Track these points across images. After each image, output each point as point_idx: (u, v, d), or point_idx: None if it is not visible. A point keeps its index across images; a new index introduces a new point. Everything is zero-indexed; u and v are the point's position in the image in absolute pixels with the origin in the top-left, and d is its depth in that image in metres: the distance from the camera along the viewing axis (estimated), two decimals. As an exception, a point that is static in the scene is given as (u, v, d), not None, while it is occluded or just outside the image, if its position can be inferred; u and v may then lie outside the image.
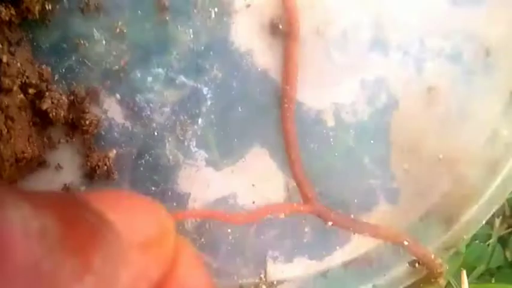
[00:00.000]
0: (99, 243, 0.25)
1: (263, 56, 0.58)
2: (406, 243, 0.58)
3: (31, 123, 0.55)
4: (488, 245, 0.74)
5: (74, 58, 0.56)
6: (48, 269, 0.23)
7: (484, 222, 0.59)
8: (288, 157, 0.58)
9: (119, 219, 0.27)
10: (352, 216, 0.59)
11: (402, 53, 0.58)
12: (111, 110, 0.58)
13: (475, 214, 0.60)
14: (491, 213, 0.60)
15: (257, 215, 0.58)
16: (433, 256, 0.58)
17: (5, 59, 0.52)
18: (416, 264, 0.59)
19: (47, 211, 0.25)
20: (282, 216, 0.60)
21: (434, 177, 0.60)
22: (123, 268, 0.26)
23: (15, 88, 0.52)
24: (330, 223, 0.59)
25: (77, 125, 0.56)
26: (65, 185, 0.58)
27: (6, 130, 0.50)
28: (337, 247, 0.61)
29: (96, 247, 0.25)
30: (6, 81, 0.51)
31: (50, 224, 0.24)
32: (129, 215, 0.29)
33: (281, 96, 0.57)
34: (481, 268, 0.73)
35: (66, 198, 0.28)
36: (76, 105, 0.56)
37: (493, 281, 0.74)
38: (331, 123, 0.59)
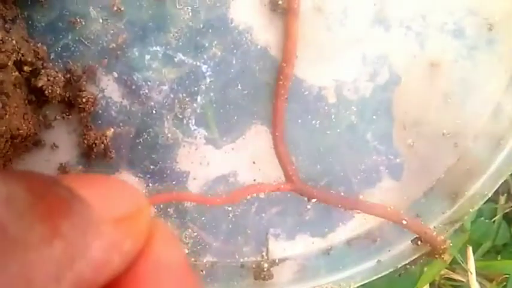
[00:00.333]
0: (69, 212, 0.25)
1: (263, 33, 0.57)
2: (404, 222, 0.57)
3: (26, 101, 0.54)
4: (493, 222, 0.73)
5: (70, 37, 0.56)
6: (16, 233, 0.23)
7: (489, 196, 0.58)
8: (273, 133, 0.57)
9: (91, 195, 0.27)
10: (342, 193, 0.59)
11: (404, 28, 0.57)
12: (108, 89, 0.57)
13: (480, 188, 0.59)
14: (497, 187, 0.59)
15: (236, 196, 0.57)
16: (435, 233, 0.57)
17: (0, 36, 0.51)
18: (419, 242, 0.58)
19: (15, 180, 0.25)
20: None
21: (438, 152, 0.59)
22: (93, 238, 0.26)
23: (10, 64, 0.51)
24: (313, 200, 0.58)
25: (73, 103, 0.56)
26: (61, 164, 0.57)
27: (0, 105, 0.49)
28: (340, 224, 0.60)
29: (66, 215, 0.25)
30: (1, 57, 0.50)
31: (18, 192, 0.24)
32: (101, 193, 0.29)
33: (278, 73, 0.56)
34: (486, 245, 0.72)
35: (36, 173, 0.28)
36: (72, 84, 0.56)
37: (499, 258, 0.74)
38: (332, 99, 0.58)
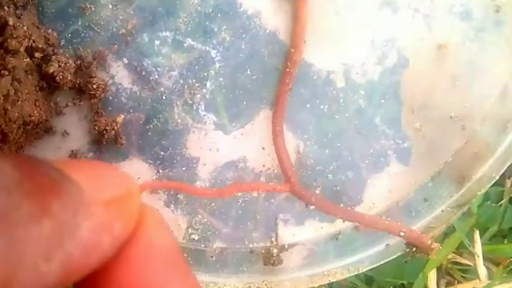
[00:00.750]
0: (59, 192, 0.26)
1: (272, 17, 0.57)
2: (402, 233, 0.56)
3: (38, 87, 0.54)
4: (500, 205, 0.73)
5: (80, 23, 0.56)
6: (4, 209, 0.23)
7: (496, 178, 0.58)
8: (273, 129, 0.57)
9: (81, 178, 0.27)
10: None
11: (412, 10, 0.57)
12: (118, 75, 0.57)
13: (488, 171, 0.59)
14: (504, 169, 0.59)
15: (228, 190, 0.57)
16: (429, 241, 0.56)
17: (11, 22, 0.51)
18: (414, 248, 0.58)
19: (4, 157, 0.25)
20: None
21: (446, 135, 0.59)
22: (83, 218, 0.26)
23: (21, 50, 0.51)
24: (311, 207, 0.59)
25: (84, 89, 0.56)
26: (72, 151, 0.57)
27: (13, 91, 0.49)
28: (348, 209, 0.60)
29: (56, 194, 0.25)
30: (13, 43, 0.50)
31: (7, 168, 0.24)
32: (92, 176, 0.29)
33: (285, 59, 0.56)
34: (493, 229, 0.72)
35: (23, 154, 0.28)
36: (83, 70, 0.56)
37: (505, 241, 0.74)
38: (341, 83, 0.58)
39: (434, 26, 0.57)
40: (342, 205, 0.60)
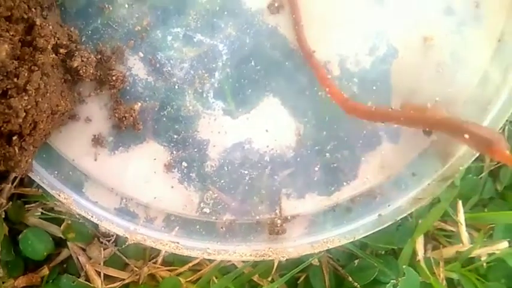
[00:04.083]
0: None
1: (273, 13, 0.60)
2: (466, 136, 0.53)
3: (63, 80, 0.57)
4: (480, 178, 0.76)
5: (99, 21, 0.59)
6: None
7: (477, 155, 0.61)
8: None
9: None
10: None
11: (400, 6, 0.60)
12: (135, 67, 0.60)
13: (469, 148, 0.61)
14: (483, 148, 0.62)
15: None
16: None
17: (38, 22, 0.54)
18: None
19: None
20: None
21: (431, 118, 0.62)
22: None
23: (49, 47, 0.54)
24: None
25: (104, 81, 0.59)
26: (94, 135, 0.61)
27: (43, 85, 0.53)
28: (344, 183, 0.63)
29: None
30: (41, 41, 0.53)
31: None
32: None
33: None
34: (474, 199, 0.75)
35: None
36: (103, 63, 0.59)
37: (485, 210, 0.77)
38: (336, 72, 0.61)
39: (420, 20, 0.60)
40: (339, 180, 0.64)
